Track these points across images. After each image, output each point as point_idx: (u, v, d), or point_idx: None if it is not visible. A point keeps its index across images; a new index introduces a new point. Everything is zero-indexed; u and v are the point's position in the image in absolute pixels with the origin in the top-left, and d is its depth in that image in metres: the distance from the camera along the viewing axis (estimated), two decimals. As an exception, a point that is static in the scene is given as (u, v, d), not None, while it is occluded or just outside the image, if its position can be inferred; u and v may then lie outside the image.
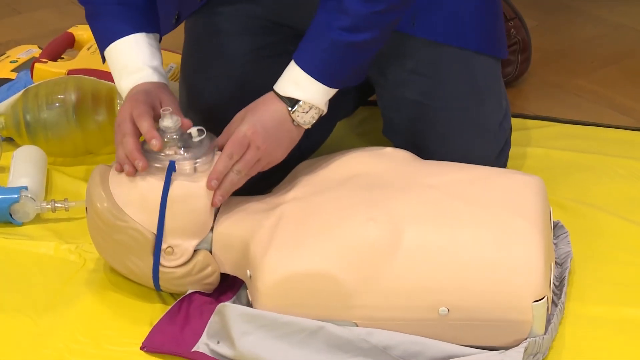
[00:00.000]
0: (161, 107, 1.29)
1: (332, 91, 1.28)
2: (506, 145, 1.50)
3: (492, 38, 1.46)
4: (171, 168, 1.26)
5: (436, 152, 1.41)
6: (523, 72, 1.88)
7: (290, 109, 1.27)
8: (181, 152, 1.28)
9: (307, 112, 1.27)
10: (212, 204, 1.27)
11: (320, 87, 1.27)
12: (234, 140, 1.27)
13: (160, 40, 1.41)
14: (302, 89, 1.27)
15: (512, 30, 1.84)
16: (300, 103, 1.27)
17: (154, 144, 1.25)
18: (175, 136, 1.27)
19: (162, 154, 1.27)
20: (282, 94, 1.28)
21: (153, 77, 1.34)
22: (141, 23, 1.36)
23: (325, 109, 1.29)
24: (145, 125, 1.26)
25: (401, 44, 1.41)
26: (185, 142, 1.28)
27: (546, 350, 1.20)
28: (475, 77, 1.44)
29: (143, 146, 1.29)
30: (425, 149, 1.42)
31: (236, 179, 1.27)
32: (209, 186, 1.26)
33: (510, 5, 1.86)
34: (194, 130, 1.28)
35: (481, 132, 1.45)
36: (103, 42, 1.37)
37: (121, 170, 1.27)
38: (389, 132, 1.50)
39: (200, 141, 1.28)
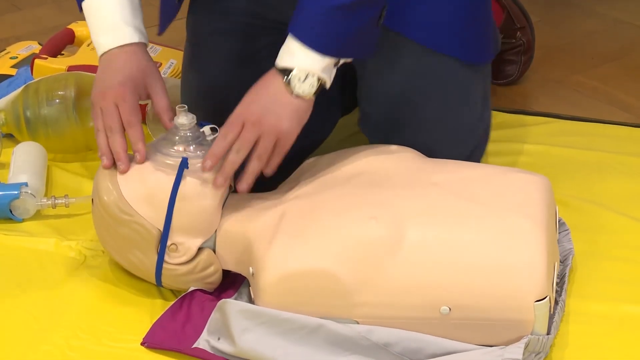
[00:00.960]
0: (145, 93, 1.30)
1: (327, 60, 1.24)
2: (477, 149, 1.47)
3: (472, 45, 1.41)
4: (183, 165, 1.26)
5: (403, 144, 1.38)
6: (525, 71, 1.88)
7: (285, 79, 1.24)
8: (191, 149, 1.28)
9: (303, 80, 1.24)
10: (213, 185, 1.25)
11: (314, 54, 1.24)
12: (227, 122, 1.26)
13: None
14: (296, 57, 1.24)
15: (518, 33, 1.84)
16: (294, 72, 1.24)
17: (137, 158, 1.27)
18: (188, 134, 1.28)
19: (174, 150, 1.27)
20: (278, 66, 1.26)
21: (134, 37, 1.32)
22: None
23: (326, 78, 1.25)
24: (134, 136, 1.28)
25: (385, 38, 1.40)
26: (197, 140, 1.28)
27: (548, 349, 1.20)
28: (447, 80, 1.40)
29: (156, 143, 1.29)
30: (390, 143, 1.39)
31: (237, 159, 1.25)
32: (202, 167, 1.25)
33: (523, 11, 1.86)
34: (207, 129, 1.28)
35: (449, 131, 1.42)
36: None
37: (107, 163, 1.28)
38: (362, 123, 1.47)
39: (213, 140, 1.28)
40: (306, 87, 1.24)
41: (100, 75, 1.32)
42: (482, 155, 1.50)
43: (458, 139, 1.44)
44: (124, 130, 1.29)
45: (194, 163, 1.27)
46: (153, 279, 1.30)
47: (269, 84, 1.26)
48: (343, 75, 1.42)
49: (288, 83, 1.24)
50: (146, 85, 1.32)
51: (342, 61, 1.27)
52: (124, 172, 1.27)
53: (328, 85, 1.27)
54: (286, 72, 1.25)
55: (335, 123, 1.57)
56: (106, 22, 1.33)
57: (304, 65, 1.24)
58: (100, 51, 1.33)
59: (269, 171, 1.27)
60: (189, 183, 1.26)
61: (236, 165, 1.25)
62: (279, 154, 1.27)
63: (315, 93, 1.26)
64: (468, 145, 1.45)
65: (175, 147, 1.28)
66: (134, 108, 1.29)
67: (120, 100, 1.29)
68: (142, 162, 1.28)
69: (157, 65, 1.35)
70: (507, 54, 1.84)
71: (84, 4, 1.35)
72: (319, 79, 1.25)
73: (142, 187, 1.27)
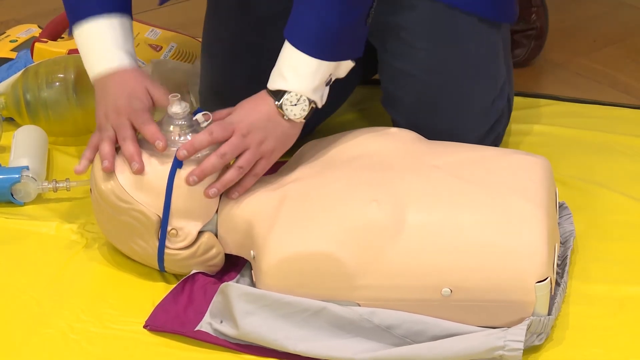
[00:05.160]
0: (153, 103, 1.30)
1: (319, 75, 1.26)
2: (497, 123, 1.49)
3: (495, 2, 1.43)
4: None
5: (424, 124, 1.41)
6: (532, 58, 1.88)
7: (277, 103, 1.26)
8: (188, 137, 1.28)
9: (295, 104, 1.26)
10: (186, 182, 1.25)
11: (305, 74, 1.25)
12: (218, 123, 1.27)
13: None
14: (288, 81, 1.26)
15: (533, 15, 1.85)
16: (286, 95, 1.26)
17: (159, 145, 1.26)
18: (183, 122, 1.28)
19: (169, 140, 1.28)
20: (270, 88, 1.27)
21: (124, 61, 1.32)
22: (116, 3, 1.35)
23: (317, 99, 1.27)
24: (151, 130, 1.27)
25: (400, 11, 1.40)
26: (192, 128, 1.29)
27: (549, 330, 1.20)
28: (471, 52, 1.43)
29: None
30: (413, 121, 1.42)
31: (218, 163, 1.25)
32: (177, 155, 1.25)
33: None
34: (200, 117, 1.28)
35: (470, 108, 1.44)
36: (74, 17, 1.35)
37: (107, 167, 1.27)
38: (386, 102, 1.50)
39: (208, 126, 1.28)
40: (297, 111, 1.26)
41: (102, 98, 1.32)
42: (501, 131, 1.51)
43: (475, 115, 1.45)
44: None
45: None
46: (156, 265, 1.30)
47: (262, 104, 1.27)
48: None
49: (280, 107, 1.26)
50: (149, 92, 1.32)
51: (333, 78, 1.28)
52: (139, 171, 1.26)
53: (319, 105, 1.28)
54: (278, 95, 1.26)
55: (349, 93, 1.59)
56: (97, 47, 1.33)
57: (295, 88, 1.26)
58: (92, 74, 1.34)
59: (235, 195, 1.28)
60: (184, 169, 1.26)
61: (216, 169, 1.26)
62: (256, 175, 1.28)
63: (306, 117, 1.27)
64: (487, 121, 1.47)
65: (170, 137, 1.28)
66: (146, 111, 1.29)
67: (132, 114, 1.29)
68: (164, 148, 1.26)
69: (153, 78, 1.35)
70: (518, 35, 1.84)
71: (75, 32, 1.35)
72: (310, 102, 1.26)
73: (139, 175, 1.27)
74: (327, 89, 1.29)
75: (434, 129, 1.40)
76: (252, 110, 1.27)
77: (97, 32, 1.34)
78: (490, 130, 1.48)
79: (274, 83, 1.27)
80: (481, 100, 1.46)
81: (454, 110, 1.44)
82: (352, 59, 1.29)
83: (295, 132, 1.29)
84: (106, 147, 1.28)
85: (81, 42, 1.36)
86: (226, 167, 1.27)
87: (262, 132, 1.26)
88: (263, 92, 1.28)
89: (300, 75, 1.26)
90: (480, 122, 1.46)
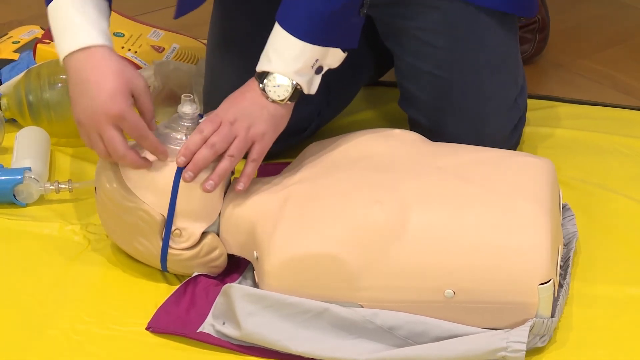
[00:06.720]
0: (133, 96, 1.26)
1: (303, 58, 1.25)
2: (520, 122, 1.50)
3: None
4: None
5: (449, 124, 1.41)
6: (539, 52, 1.89)
7: (260, 85, 1.26)
8: None
9: (278, 85, 1.25)
10: (183, 179, 1.25)
11: (290, 54, 1.24)
12: (205, 119, 1.27)
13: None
14: (272, 62, 1.25)
15: None
16: (269, 76, 1.25)
17: (163, 158, 1.26)
18: (190, 124, 1.28)
19: (175, 138, 1.28)
20: (257, 70, 1.27)
21: (97, 39, 1.25)
22: None
23: (302, 82, 1.26)
24: (151, 146, 1.25)
25: (418, 12, 1.40)
26: None
27: (552, 332, 1.20)
28: (492, 50, 1.43)
29: (158, 129, 1.29)
30: (438, 121, 1.42)
31: (209, 154, 1.24)
32: (177, 162, 1.24)
33: None
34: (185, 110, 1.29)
35: (495, 106, 1.44)
36: None
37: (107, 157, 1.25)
38: (404, 102, 1.49)
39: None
40: (281, 92, 1.26)
41: (77, 92, 1.26)
42: (522, 131, 1.51)
43: (501, 112, 1.45)
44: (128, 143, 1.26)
45: None
46: (158, 265, 1.30)
47: (246, 90, 1.27)
48: (374, 44, 1.43)
49: (263, 88, 1.25)
50: (132, 89, 1.26)
51: (324, 66, 1.27)
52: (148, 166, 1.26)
53: (306, 90, 1.27)
54: (262, 77, 1.26)
55: (357, 91, 1.59)
56: (67, 22, 1.27)
57: (278, 69, 1.25)
58: (61, 55, 1.27)
59: (242, 186, 1.27)
60: None
61: (207, 160, 1.24)
62: (255, 160, 1.27)
63: (291, 98, 1.27)
64: (512, 120, 1.47)
65: (177, 136, 1.28)
66: (138, 121, 1.25)
67: (119, 120, 1.24)
68: (165, 158, 1.26)
69: (129, 63, 1.30)
70: (522, 31, 1.84)
71: (49, 7, 1.30)
72: (293, 84, 1.25)
73: (144, 174, 1.27)
74: (317, 77, 1.28)
75: (458, 128, 1.40)
76: (236, 99, 1.27)
77: (65, 7, 1.27)
78: (514, 130, 1.48)
79: (260, 65, 1.27)
80: (504, 98, 1.46)
81: (478, 108, 1.44)
82: (342, 48, 1.28)
83: (284, 114, 1.27)
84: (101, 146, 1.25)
85: (52, 19, 1.29)
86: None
87: (248, 118, 1.25)
88: (250, 80, 1.28)
89: (284, 57, 1.25)
90: (505, 120, 1.46)
